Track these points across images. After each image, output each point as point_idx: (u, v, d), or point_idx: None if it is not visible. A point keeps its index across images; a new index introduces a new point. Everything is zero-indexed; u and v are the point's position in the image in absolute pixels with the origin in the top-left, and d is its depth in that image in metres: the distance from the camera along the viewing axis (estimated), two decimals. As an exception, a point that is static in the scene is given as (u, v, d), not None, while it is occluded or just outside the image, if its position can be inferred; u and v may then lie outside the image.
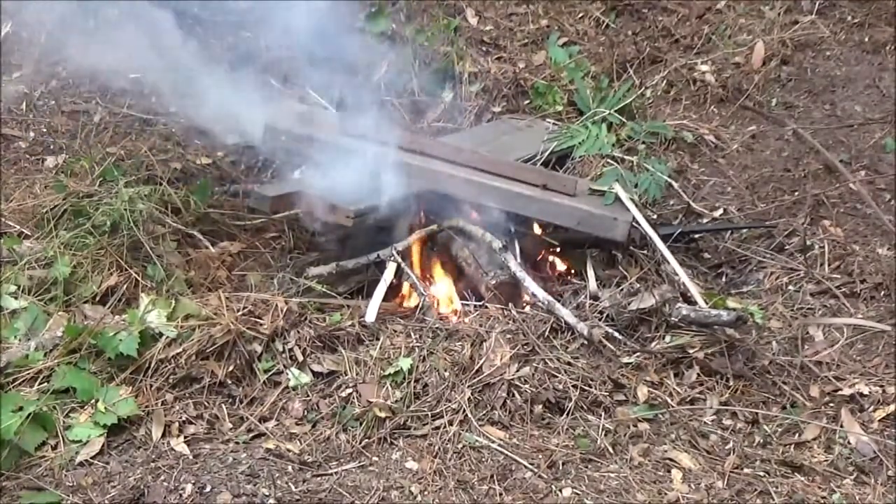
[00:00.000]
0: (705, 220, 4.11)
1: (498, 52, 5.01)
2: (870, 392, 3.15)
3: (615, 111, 4.50)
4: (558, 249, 3.81)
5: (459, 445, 2.82)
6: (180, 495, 2.52)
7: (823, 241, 3.87)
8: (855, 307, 3.55)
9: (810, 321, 3.48)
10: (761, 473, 2.85)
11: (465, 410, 2.94)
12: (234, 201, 3.90)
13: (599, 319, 3.36)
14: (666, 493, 2.71)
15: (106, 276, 3.30)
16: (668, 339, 3.30)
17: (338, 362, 3.11)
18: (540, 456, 2.81)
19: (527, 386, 3.05)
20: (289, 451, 2.77)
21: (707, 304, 3.30)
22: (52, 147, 4.08)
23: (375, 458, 2.78)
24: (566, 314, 3.29)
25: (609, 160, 4.17)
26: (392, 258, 3.53)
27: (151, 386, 2.90)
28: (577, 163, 4.22)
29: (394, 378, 3.04)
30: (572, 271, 3.79)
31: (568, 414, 3.01)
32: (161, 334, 2.98)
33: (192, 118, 4.22)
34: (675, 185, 4.18)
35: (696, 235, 4.02)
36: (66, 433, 2.70)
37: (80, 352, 2.91)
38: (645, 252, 3.68)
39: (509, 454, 2.80)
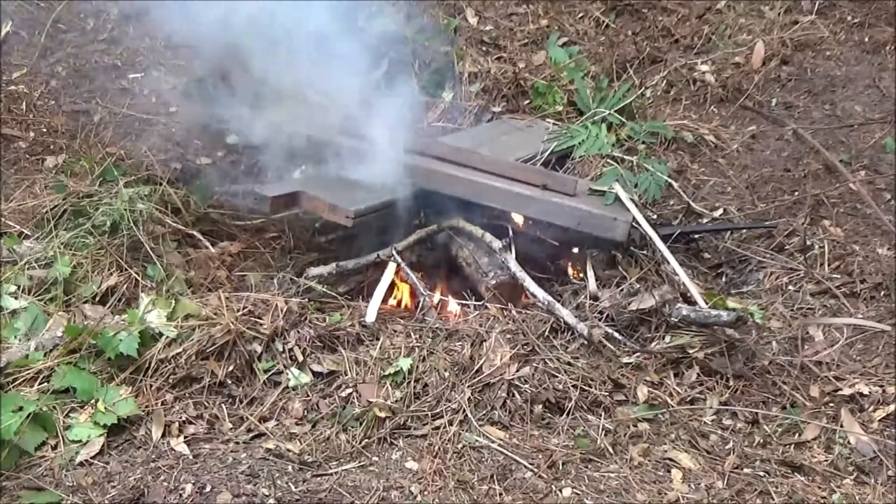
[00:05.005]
0: (705, 220, 4.11)
1: (498, 52, 5.01)
2: (870, 392, 3.15)
3: (615, 111, 4.51)
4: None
5: (459, 445, 2.82)
6: (180, 495, 2.52)
7: (823, 241, 3.87)
8: (855, 307, 3.55)
9: (810, 321, 3.48)
10: (761, 473, 2.85)
11: (465, 410, 2.94)
12: (234, 201, 3.91)
13: (599, 319, 3.36)
14: (666, 493, 2.71)
15: (106, 276, 3.31)
16: (668, 339, 3.30)
17: (338, 362, 3.11)
18: (540, 456, 2.81)
19: (527, 386, 3.05)
20: (289, 451, 2.77)
21: (707, 304, 3.30)
22: (52, 147, 4.07)
23: (375, 458, 2.78)
24: (566, 314, 3.29)
25: (609, 160, 4.17)
26: (392, 258, 3.53)
27: (151, 386, 2.90)
28: (577, 163, 4.23)
29: (394, 378, 3.04)
30: (572, 272, 3.79)
31: (568, 414, 3.01)
32: (161, 334, 2.98)
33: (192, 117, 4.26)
34: (675, 185, 4.18)
35: (696, 235, 4.02)
36: (66, 433, 2.70)
37: (80, 352, 2.92)
38: (645, 252, 3.68)
39: (509, 454, 2.80)
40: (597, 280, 3.60)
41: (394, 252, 3.54)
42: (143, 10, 4.44)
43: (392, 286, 3.55)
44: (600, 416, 3.03)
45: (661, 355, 3.24)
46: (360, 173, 3.62)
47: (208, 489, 2.54)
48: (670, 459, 2.87)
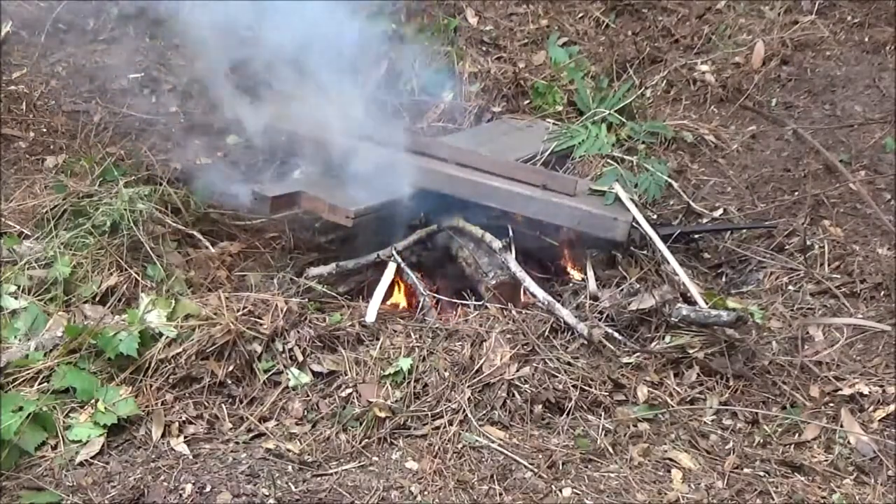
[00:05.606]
0: (705, 220, 4.11)
1: (498, 52, 5.01)
2: (870, 392, 3.15)
3: (615, 111, 4.51)
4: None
5: (459, 445, 2.82)
6: (180, 495, 2.52)
7: (823, 241, 3.87)
8: (855, 307, 3.55)
9: (810, 321, 3.48)
10: (761, 473, 2.85)
11: (465, 410, 2.94)
12: (234, 201, 3.91)
13: (599, 319, 3.36)
14: (666, 493, 2.71)
15: (106, 276, 3.31)
16: (668, 339, 3.30)
17: (338, 362, 3.11)
18: (540, 456, 2.81)
19: (527, 386, 3.05)
20: (289, 451, 2.77)
21: (707, 304, 3.30)
22: (52, 147, 4.07)
23: (375, 458, 2.78)
24: (566, 314, 3.29)
25: (609, 160, 4.17)
26: (392, 258, 3.53)
27: (151, 386, 2.90)
28: (577, 163, 4.22)
29: (394, 378, 3.04)
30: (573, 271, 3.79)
31: (568, 414, 3.01)
32: (161, 334, 2.98)
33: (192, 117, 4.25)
34: (675, 185, 4.18)
35: (696, 235, 4.02)
36: (66, 433, 2.70)
37: (80, 352, 2.91)
38: (645, 252, 3.68)
39: (509, 454, 2.80)
40: (597, 280, 3.60)
41: (394, 252, 3.54)
42: (142, 9, 4.44)
43: (392, 286, 3.55)
44: (600, 416, 3.03)
45: (661, 355, 3.24)
46: (361, 173, 3.62)
47: (208, 489, 2.54)
48: (670, 459, 2.87)
